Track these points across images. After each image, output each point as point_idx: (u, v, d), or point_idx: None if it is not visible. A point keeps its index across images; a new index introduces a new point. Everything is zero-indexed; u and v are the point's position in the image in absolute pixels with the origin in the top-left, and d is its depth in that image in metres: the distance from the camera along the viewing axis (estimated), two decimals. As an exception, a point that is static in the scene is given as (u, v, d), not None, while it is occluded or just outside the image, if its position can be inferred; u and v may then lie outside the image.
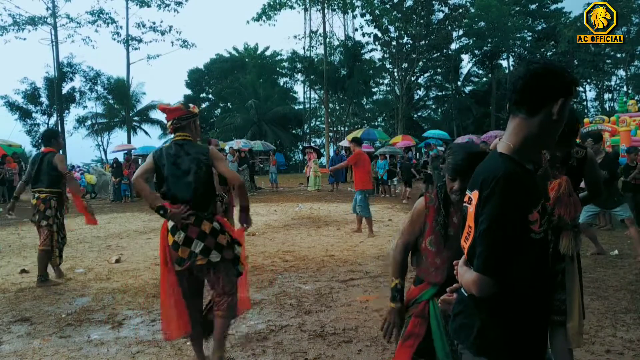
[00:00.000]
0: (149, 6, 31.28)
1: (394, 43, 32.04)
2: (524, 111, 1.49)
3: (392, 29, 31.27)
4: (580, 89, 37.05)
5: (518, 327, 1.47)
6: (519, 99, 1.50)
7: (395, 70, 33.46)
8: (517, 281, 1.45)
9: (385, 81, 38.32)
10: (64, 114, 33.64)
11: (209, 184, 3.30)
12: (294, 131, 41.05)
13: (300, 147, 37.38)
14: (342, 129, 36.39)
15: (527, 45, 35.58)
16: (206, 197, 3.28)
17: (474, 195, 1.48)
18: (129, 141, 32.41)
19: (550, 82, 1.46)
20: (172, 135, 3.41)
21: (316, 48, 33.91)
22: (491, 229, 1.41)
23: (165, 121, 3.54)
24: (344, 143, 25.46)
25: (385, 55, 33.71)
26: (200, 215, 3.20)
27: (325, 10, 31.98)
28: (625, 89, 35.37)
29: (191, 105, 3.45)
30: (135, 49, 32.66)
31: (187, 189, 3.20)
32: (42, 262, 5.69)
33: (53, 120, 34.37)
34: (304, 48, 34.34)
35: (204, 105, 45.31)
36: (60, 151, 6.44)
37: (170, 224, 3.22)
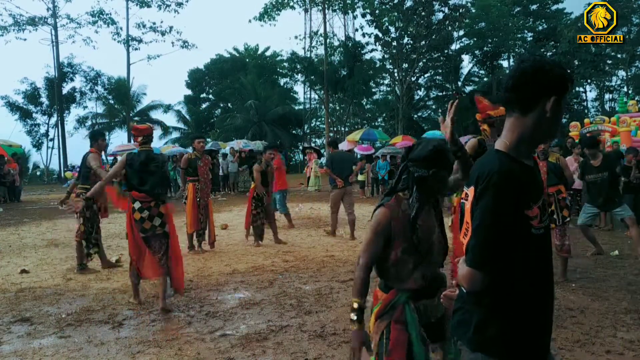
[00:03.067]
0: (149, 6, 31.34)
1: (394, 43, 31.97)
2: (517, 110, 1.49)
3: (392, 29, 31.25)
4: (581, 89, 37.04)
5: (516, 324, 1.47)
6: (511, 98, 1.49)
7: (396, 70, 33.41)
8: (516, 277, 1.45)
9: (386, 81, 38.27)
10: (64, 114, 33.69)
11: (165, 180, 5.00)
12: (294, 131, 41.01)
13: (301, 147, 37.36)
14: (343, 129, 36.35)
15: (528, 45, 35.54)
16: (162, 189, 4.94)
17: (470, 191, 1.48)
18: (129, 141, 32.41)
19: (540, 79, 1.44)
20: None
21: (317, 48, 33.96)
22: (483, 224, 1.41)
23: (135, 134, 4.95)
24: (344, 144, 25.43)
25: (385, 55, 33.65)
26: (159, 201, 4.75)
27: (326, 11, 32.00)
28: (625, 89, 35.34)
29: (152, 126, 5.32)
30: (136, 49, 32.76)
31: (154, 185, 4.75)
32: (77, 252, 6.38)
33: (53, 120, 34.44)
34: (304, 48, 34.38)
35: (204, 106, 45.27)
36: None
37: (137, 205, 4.70)
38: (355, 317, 2.10)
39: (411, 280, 2.09)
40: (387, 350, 2.07)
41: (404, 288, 2.10)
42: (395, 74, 33.85)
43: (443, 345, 2.13)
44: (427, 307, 2.10)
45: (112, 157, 21.49)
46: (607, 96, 38.41)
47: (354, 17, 34.13)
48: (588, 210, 6.53)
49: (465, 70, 39.22)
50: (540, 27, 35.60)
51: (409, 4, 30.97)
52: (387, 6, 30.33)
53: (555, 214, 5.36)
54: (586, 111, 36.72)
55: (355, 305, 2.11)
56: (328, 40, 32.52)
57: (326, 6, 31.58)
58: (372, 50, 33.65)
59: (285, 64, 38.25)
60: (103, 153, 7.79)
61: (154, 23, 32.08)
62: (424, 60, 34.39)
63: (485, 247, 1.42)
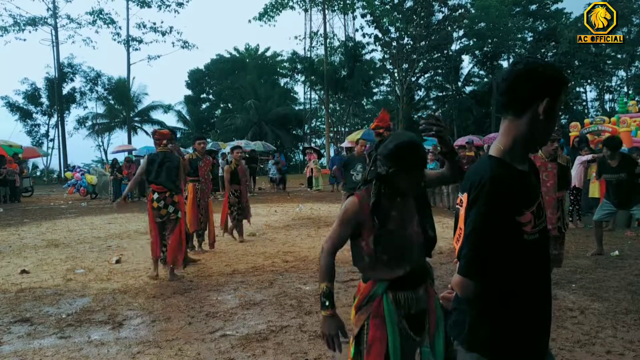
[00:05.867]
0: (149, 7, 31.38)
1: (394, 44, 32.00)
2: (511, 112, 1.48)
3: (392, 29, 31.28)
4: (581, 89, 37.02)
5: (510, 326, 1.47)
6: (505, 101, 1.49)
7: (396, 70, 33.42)
8: (509, 281, 1.45)
9: (386, 82, 38.34)
10: (65, 115, 33.70)
11: (178, 176, 5.93)
12: (294, 132, 41.03)
13: (301, 147, 37.39)
14: (343, 129, 36.39)
15: (528, 45, 35.53)
16: (176, 183, 5.89)
17: (464, 197, 1.48)
18: (130, 142, 32.43)
19: (532, 82, 1.43)
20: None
21: (317, 48, 34.00)
22: (475, 231, 1.41)
23: (160, 138, 6.03)
24: (345, 144, 25.40)
25: (385, 55, 33.68)
26: (172, 192, 5.81)
27: (326, 11, 32.04)
28: (625, 89, 35.33)
29: (173, 132, 6.39)
30: (136, 49, 32.89)
31: (168, 179, 5.81)
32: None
33: (53, 120, 34.46)
34: (304, 49, 34.42)
35: (204, 106, 45.29)
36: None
37: (156, 196, 5.76)
38: (327, 302, 2.08)
39: (387, 271, 2.05)
40: (367, 345, 2.04)
41: (381, 278, 2.07)
42: (395, 74, 33.87)
43: (426, 340, 2.08)
44: (407, 299, 2.05)
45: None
46: (607, 96, 38.38)
47: (354, 18, 34.21)
48: (606, 207, 6.54)
49: (465, 71, 39.23)
50: (540, 28, 35.58)
51: (408, 4, 30.99)
52: (387, 7, 30.36)
53: (560, 221, 5.12)
54: (586, 111, 36.71)
55: (325, 289, 2.10)
56: (328, 41, 32.56)
57: (326, 6, 31.61)
58: (372, 50, 33.75)
59: (286, 64, 38.30)
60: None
61: (154, 23, 32.24)
62: (424, 61, 34.40)
63: (477, 256, 1.42)
